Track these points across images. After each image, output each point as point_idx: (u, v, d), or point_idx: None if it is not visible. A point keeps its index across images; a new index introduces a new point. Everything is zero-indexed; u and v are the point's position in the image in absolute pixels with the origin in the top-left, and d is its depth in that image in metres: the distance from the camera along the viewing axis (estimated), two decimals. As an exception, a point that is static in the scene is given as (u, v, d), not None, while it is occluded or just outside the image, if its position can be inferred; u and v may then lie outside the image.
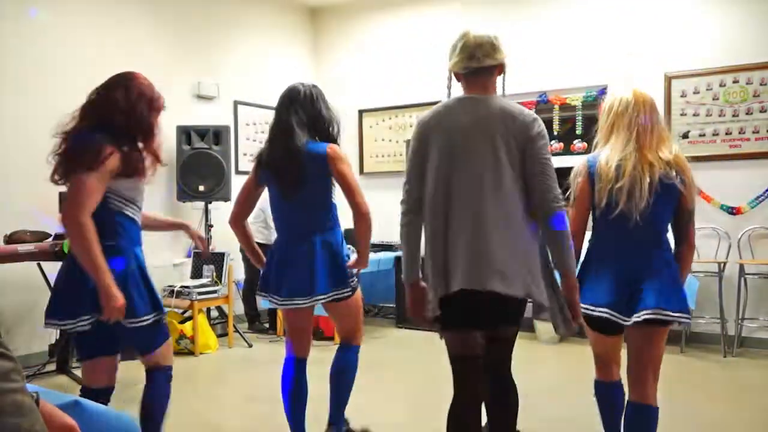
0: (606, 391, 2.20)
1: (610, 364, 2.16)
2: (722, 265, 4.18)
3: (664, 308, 1.90)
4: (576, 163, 2.18)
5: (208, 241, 4.81)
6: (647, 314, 1.90)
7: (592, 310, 2.00)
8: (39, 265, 3.71)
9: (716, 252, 4.32)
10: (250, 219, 5.29)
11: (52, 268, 3.77)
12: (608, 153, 2.03)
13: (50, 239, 3.69)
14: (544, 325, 4.55)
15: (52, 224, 3.90)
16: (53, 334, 3.84)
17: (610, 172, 1.98)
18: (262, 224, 4.87)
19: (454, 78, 1.98)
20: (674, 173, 1.97)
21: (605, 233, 2.07)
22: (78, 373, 3.68)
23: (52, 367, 3.74)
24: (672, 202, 2.01)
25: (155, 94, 2.05)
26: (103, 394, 2.04)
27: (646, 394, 2.00)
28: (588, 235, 2.17)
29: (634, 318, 1.92)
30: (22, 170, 3.93)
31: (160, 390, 2.12)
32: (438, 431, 2.78)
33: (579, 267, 2.10)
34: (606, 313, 1.97)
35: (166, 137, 5.02)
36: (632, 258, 2.00)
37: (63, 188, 4.23)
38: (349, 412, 3.07)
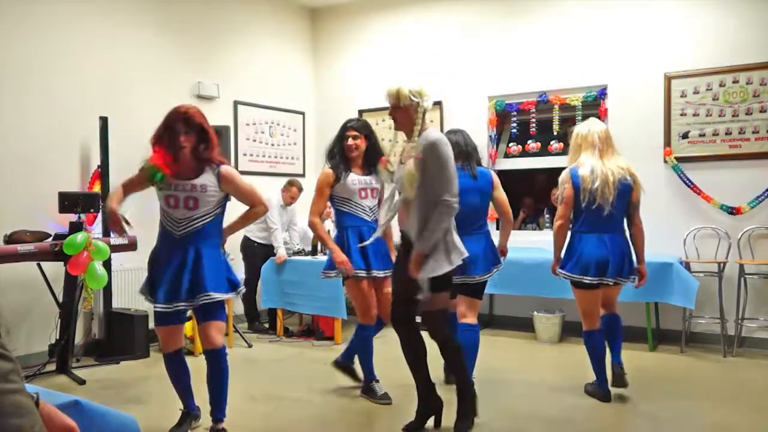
0: (593, 340, 3.14)
1: (593, 315, 3.12)
2: (722, 265, 4.18)
3: (622, 275, 3.06)
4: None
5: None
6: (612, 279, 3.03)
7: (582, 277, 3.03)
8: (39, 265, 3.71)
9: (716, 252, 4.32)
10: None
11: (52, 268, 3.78)
12: (583, 165, 3.01)
13: (50, 239, 3.68)
14: (544, 326, 4.55)
15: (53, 224, 3.90)
16: (53, 334, 3.84)
17: (587, 177, 2.96)
18: (263, 224, 4.88)
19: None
20: (628, 177, 3.01)
21: (586, 222, 3.05)
22: (78, 373, 3.69)
23: (52, 367, 3.74)
24: (626, 197, 3.04)
25: (171, 113, 2.52)
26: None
27: (614, 311, 3.25)
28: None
29: (606, 280, 3.03)
30: (22, 170, 3.94)
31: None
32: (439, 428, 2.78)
33: (566, 247, 3.13)
34: (597, 279, 3.03)
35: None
36: (606, 237, 3.03)
37: (63, 189, 4.20)
38: (349, 411, 3.07)
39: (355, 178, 3.14)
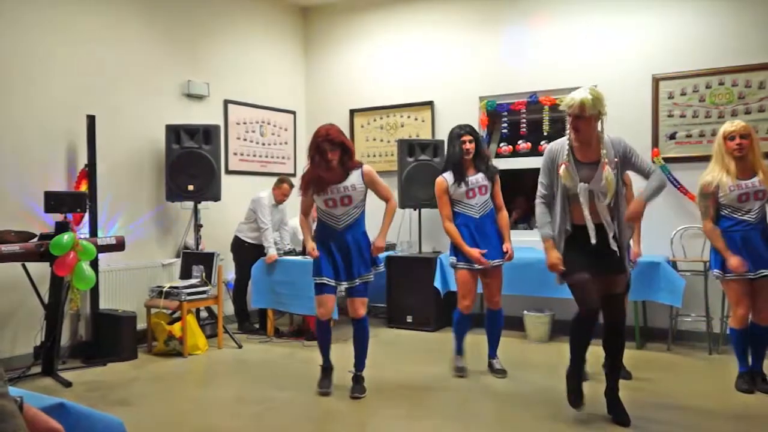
0: (743, 335, 3.28)
1: (745, 311, 3.22)
2: (708, 264, 4.22)
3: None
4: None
5: (197, 241, 4.79)
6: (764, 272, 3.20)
7: (742, 275, 3.19)
8: (24, 266, 3.66)
9: (702, 251, 4.37)
10: (242, 220, 5.29)
11: (37, 269, 3.73)
12: (723, 174, 3.29)
13: (35, 239, 3.63)
14: (534, 325, 4.57)
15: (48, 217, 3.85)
16: (38, 336, 3.79)
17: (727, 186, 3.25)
18: (254, 224, 4.85)
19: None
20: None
21: (733, 225, 3.30)
22: (64, 375, 3.64)
23: (37, 369, 3.70)
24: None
25: (317, 135, 3.18)
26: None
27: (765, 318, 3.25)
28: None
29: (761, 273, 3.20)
30: (7, 169, 3.88)
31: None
32: (435, 427, 2.79)
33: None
34: (751, 274, 3.21)
35: (156, 137, 4.99)
36: (752, 238, 3.24)
37: (49, 188, 4.16)
38: (340, 411, 3.07)
39: (467, 180, 3.50)
